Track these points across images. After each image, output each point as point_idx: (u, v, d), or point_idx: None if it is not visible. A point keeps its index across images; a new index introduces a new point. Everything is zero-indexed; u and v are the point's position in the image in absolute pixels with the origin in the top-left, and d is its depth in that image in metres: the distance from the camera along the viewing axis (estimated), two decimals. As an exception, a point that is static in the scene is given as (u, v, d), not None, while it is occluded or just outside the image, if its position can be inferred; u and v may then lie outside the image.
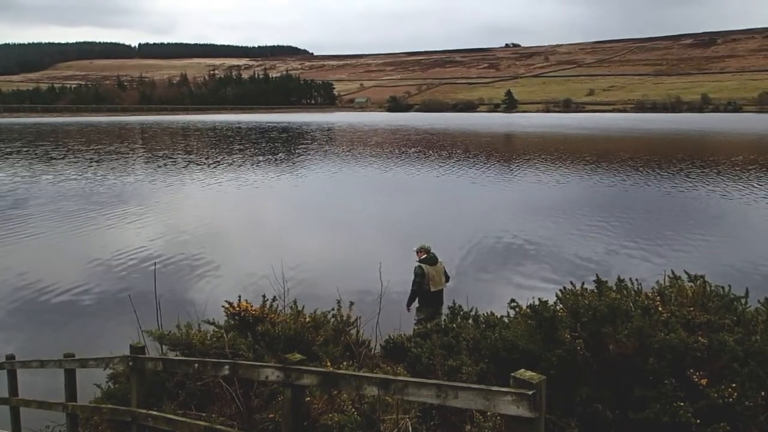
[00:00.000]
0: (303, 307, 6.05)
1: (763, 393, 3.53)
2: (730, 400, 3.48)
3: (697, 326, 3.95)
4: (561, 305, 4.38)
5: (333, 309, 6.19)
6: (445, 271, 8.82)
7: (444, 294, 8.60)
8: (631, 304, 4.07)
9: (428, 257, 8.57)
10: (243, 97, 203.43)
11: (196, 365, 4.23)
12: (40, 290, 11.81)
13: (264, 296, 6.10)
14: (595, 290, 4.42)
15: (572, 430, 3.60)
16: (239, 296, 5.93)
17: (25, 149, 46.37)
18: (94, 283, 12.24)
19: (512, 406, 2.35)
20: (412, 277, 8.51)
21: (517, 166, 34.51)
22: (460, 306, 7.02)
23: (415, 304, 8.65)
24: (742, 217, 18.93)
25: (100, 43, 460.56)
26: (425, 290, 8.50)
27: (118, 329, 9.08)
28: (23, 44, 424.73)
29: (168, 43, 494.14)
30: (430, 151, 43.84)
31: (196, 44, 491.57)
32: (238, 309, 5.73)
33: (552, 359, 3.91)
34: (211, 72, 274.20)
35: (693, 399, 3.52)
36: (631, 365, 3.77)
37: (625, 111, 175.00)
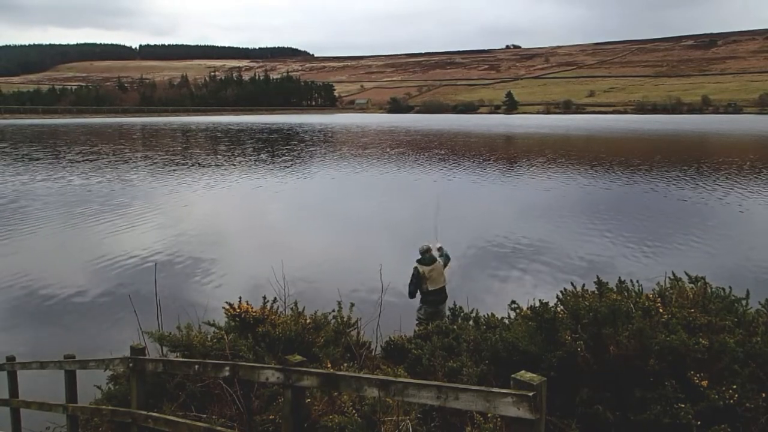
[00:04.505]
0: (303, 308, 6.05)
1: (763, 395, 3.53)
2: (731, 401, 3.48)
3: (697, 328, 3.95)
4: (561, 307, 4.38)
5: (333, 310, 6.19)
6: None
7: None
8: (631, 306, 4.07)
9: (422, 258, 8.59)
10: (243, 98, 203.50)
11: (197, 366, 4.23)
12: (40, 291, 11.80)
13: (264, 297, 6.09)
14: (596, 291, 4.43)
15: (572, 431, 3.60)
16: (239, 297, 5.92)
17: (24, 151, 46.39)
18: (93, 284, 12.23)
19: (513, 408, 2.36)
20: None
21: (512, 167, 34.50)
22: (460, 308, 7.04)
23: (418, 302, 8.68)
24: (743, 218, 18.91)
25: (100, 44, 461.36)
26: (424, 289, 8.54)
27: (119, 330, 9.09)
28: (24, 45, 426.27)
29: (169, 45, 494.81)
30: (426, 153, 43.83)
31: (196, 46, 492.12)
32: (238, 310, 5.73)
33: (552, 361, 3.91)
34: (212, 73, 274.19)
35: (693, 400, 3.51)
36: (631, 367, 3.77)
37: (625, 112, 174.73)
